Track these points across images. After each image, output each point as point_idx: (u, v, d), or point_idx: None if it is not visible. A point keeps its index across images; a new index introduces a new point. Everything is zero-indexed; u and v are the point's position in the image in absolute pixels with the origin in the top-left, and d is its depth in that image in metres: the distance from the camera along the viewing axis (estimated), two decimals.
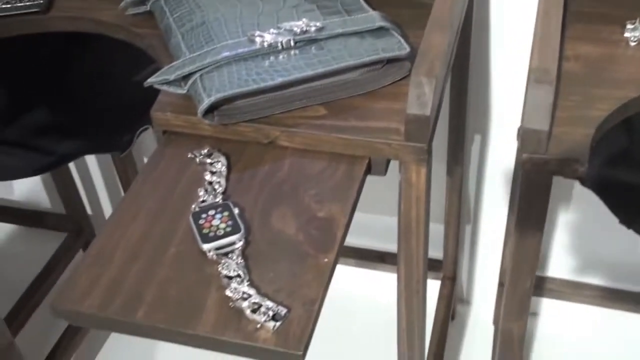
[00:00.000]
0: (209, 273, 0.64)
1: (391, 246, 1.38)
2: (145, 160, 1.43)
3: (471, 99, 1.16)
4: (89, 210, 1.52)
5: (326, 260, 0.64)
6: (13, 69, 0.96)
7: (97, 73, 1.00)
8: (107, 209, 1.57)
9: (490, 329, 1.43)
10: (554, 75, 0.69)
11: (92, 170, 1.51)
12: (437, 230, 1.31)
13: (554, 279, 1.40)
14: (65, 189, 1.43)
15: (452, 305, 1.42)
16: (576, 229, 1.31)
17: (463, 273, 1.45)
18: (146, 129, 0.84)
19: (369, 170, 0.75)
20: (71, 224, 1.49)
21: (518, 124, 1.15)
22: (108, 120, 0.94)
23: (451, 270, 1.41)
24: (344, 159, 0.74)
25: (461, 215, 1.34)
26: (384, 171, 0.75)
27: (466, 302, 1.49)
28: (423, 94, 0.69)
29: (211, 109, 0.73)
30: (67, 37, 0.94)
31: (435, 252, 1.35)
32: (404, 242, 0.81)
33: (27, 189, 1.60)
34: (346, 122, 0.74)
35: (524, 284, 0.80)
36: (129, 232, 0.68)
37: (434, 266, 1.33)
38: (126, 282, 0.63)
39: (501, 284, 1.38)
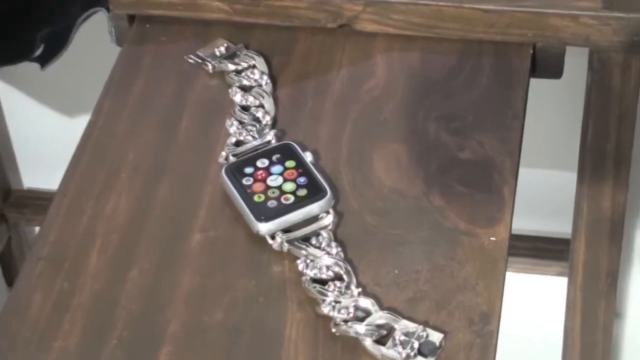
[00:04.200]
0: (278, 275, 0.60)
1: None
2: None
3: None
4: None
5: (493, 239, 0.60)
6: None
7: None
8: None
9: None
10: None
11: None
12: (566, 181, 1.29)
13: None
14: None
15: None
16: None
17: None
18: (93, 13, 0.79)
19: (532, 70, 0.71)
20: None
21: None
22: None
23: None
24: (486, 51, 0.71)
25: None
26: (559, 70, 0.72)
27: (616, 314, 1.49)
28: None
29: None
30: None
31: (560, 225, 1.34)
32: (585, 203, 0.79)
33: None
34: None
35: None
36: (107, 211, 0.63)
37: (559, 250, 1.27)
38: (121, 302, 0.59)
39: None
